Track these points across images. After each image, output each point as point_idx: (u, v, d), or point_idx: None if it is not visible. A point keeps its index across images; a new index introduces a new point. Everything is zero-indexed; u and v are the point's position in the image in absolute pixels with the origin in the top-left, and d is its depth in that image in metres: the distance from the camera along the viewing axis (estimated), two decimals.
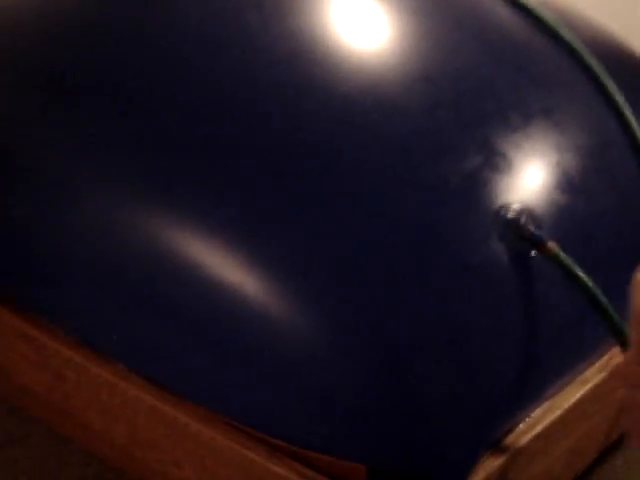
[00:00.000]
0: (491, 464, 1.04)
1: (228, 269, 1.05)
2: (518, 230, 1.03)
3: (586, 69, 1.34)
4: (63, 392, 1.42)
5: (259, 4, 1.23)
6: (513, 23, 1.40)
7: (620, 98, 1.31)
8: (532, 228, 1.03)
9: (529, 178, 1.11)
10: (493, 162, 1.08)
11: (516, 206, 1.05)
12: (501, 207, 1.05)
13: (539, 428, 1.11)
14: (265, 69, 1.13)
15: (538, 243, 1.02)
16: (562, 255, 1.02)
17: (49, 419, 1.73)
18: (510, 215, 1.04)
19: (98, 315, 1.25)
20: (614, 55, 1.58)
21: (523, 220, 1.03)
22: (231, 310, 1.05)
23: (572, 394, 1.16)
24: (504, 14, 1.43)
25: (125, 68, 1.25)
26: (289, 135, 1.06)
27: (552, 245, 1.02)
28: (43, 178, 1.29)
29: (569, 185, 1.14)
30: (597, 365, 1.21)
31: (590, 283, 1.03)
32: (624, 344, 1.04)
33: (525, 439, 1.09)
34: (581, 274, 1.02)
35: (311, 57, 1.14)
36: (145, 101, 1.19)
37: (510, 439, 1.08)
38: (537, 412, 1.12)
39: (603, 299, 1.03)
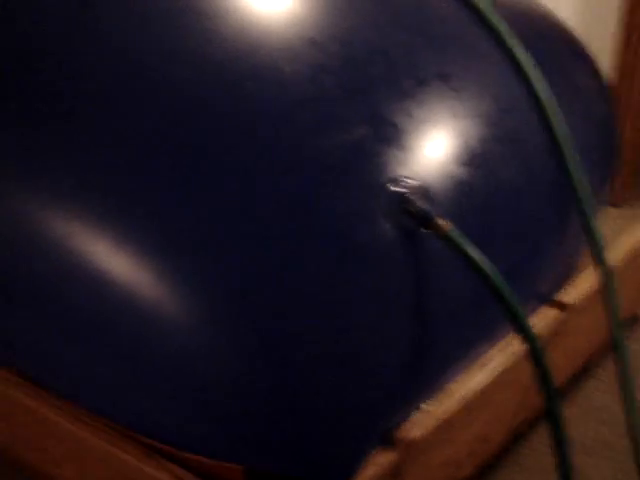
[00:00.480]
0: (383, 458, 0.97)
1: (93, 255, 0.95)
2: (406, 206, 0.94)
3: (495, 34, 1.26)
4: None
5: None
6: None
7: (529, 63, 1.24)
8: (420, 203, 0.94)
9: (422, 150, 1.02)
10: (381, 133, 0.99)
11: (404, 180, 0.97)
12: (388, 181, 0.96)
13: (439, 417, 1.04)
14: (126, 35, 1.02)
15: (427, 220, 0.94)
16: (453, 233, 0.94)
17: None
18: (398, 189, 0.95)
19: None
20: (532, 22, 1.51)
21: (410, 195, 0.95)
22: (101, 301, 0.95)
23: (475, 380, 1.10)
24: None
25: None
26: (152, 112, 0.95)
27: (442, 222, 0.94)
28: None
29: (467, 157, 1.06)
30: (500, 350, 1.14)
31: (484, 263, 0.95)
32: (520, 328, 0.97)
33: (422, 429, 1.02)
34: (474, 254, 0.94)
35: (180, 19, 1.03)
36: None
37: (405, 430, 1.00)
38: (437, 400, 1.05)
39: (498, 280, 0.95)
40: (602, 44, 2.26)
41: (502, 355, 1.14)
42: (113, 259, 0.92)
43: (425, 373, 1.00)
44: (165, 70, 1.00)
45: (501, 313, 0.99)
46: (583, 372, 1.55)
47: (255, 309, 0.88)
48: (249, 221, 0.89)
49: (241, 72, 0.98)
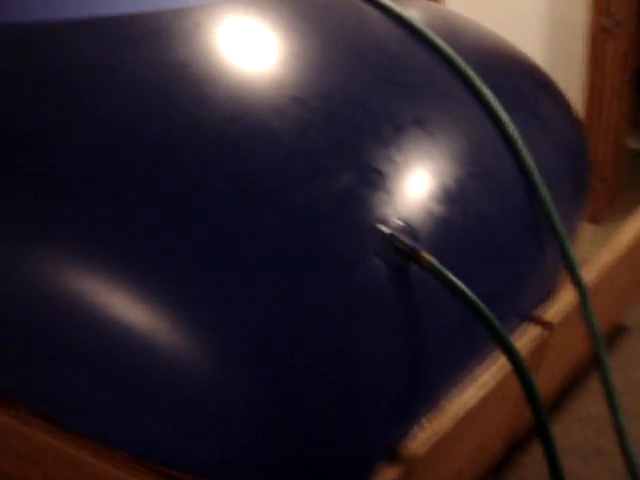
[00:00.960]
0: (388, 473, 1.06)
1: (116, 303, 1.05)
2: (394, 244, 1.05)
3: (461, 76, 1.38)
4: None
5: (135, 41, 1.24)
6: (388, 35, 1.43)
7: (496, 103, 1.35)
8: (407, 241, 1.05)
9: (405, 191, 1.13)
10: (367, 179, 1.11)
11: (391, 221, 1.08)
12: (377, 223, 1.07)
13: (438, 432, 1.13)
14: (134, 102, 1.13)
15: (414, 255, 1.05)
16: (437, 265, 1.05)
17: None
18: (385, 230, 1.06)
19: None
20: (498, 57, 1.63)
21: (398, 233, 1.06)
22: (117, 340, 1.05)
23: (468, 396, 1.19)
24: (379, 26, 1.46)
25: None
26: (161, 168, 1.07)
27: (427, 256, 1.05)
28: None
29: (445, 194, 1.17)
30: (490, 366, 1.24)
31: (467, 290, 1.05)
32: (504, 346, 1.07)
33: (423, 444, 1.11)
34: (457, 282, 1.05)
35: (181, 84, 1.15)
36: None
37: (407, 447, 1.10)
38: (435, 416, 1.15)
39: (480, 304, 1.06)
40: (569, 69, 2.39)
41: (492, 371, 1.24)
42: (133, 310, 1.03)
43: (422, 391, 1.10)
44: (167, 136, 1.11)
45: (486, 333, 1.09)
46: (576, 384, 1.64)
47: (263, 344, 0.99)
48: (254, 267, 1.00)
49: (237, 133, 1.10)
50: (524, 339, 1.31)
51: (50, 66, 1.30)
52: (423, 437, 1.12)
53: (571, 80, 2.35)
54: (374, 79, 1.28)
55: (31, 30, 1.42)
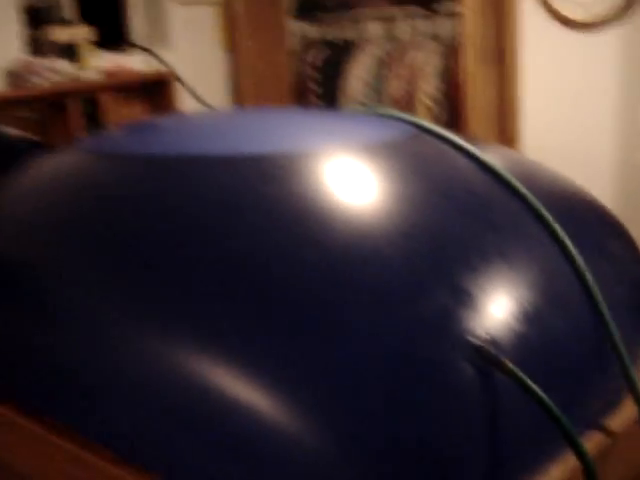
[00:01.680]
0: None
1: (241, 389, 1.31)
2: (481, 353, 1.30)
3: (537, 216, 1.64)
4: None
5: (270, 177, 1.55)
6: (475, 179, 1.71)
7: (567, 240, 1.61)
8: (492, 350, 1.30)
9: (490, 311, 1.39)
10: (459, 299, 1.36)
11: (479, 334, 1.33)
12: (467, 335, 1.32)
13: None
14: (271, 231, 1.44)
15: (498, 363, 1.29)
16: (518, 372, 1.29)
17: None
18: (474, 341, 1.31)
19: (134, 431, 1.50)
20: (567, 201, 1.89)
21: (484, 344, 1.30)
22: (244, 426, 1.30)
23: None
24: (468, 171, 1.75)
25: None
26: (297, 279, 1.35)
27: (508, 364, 1.29)
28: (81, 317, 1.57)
29: (523, 315, 1.42)
30: (559, 464, 1.44)
31: (542, 394, 1.28)
32: (575, 447, 1.29)
33: None
34: (535, 387, 1.28)
35: (309, 219, 1.45)
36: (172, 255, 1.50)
37: None
38: None
39: (555, 408, 1.28)
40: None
41: (561, 469, 1.44)
42: (245, 388, 1.29)
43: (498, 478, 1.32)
44: (299, 257, 1.40)
45: (559, 435, 1.31)
46: None
47: (366, 435, 1.23)
48: (365, 368, 1.25)
49: (356, 257, 1.38)
50: (589, 445, 1.51)
51: (199, 194, 1.63)
52: None
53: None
54: (465, 217, 1.55)
55: (177, 162, 1.77)
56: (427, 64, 3.83)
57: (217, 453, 1.36)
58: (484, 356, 1.30)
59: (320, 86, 4.24)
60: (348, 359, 1.29)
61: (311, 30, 4.40)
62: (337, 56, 4.20)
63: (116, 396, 1.50)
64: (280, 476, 1.29)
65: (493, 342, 1.33)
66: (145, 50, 3.52)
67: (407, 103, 3.96)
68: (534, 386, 1.29)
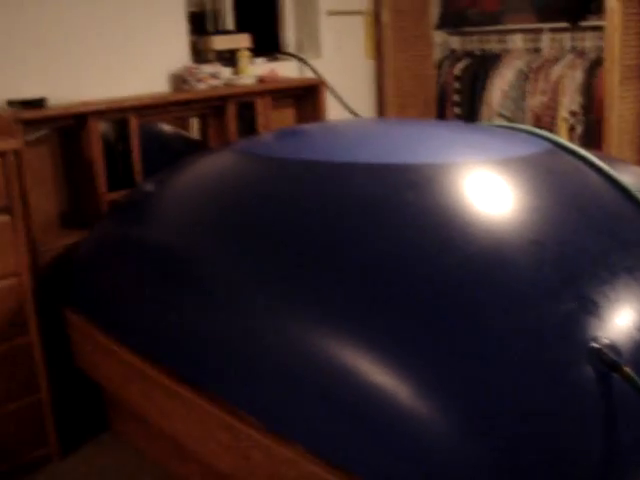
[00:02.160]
0: None
1: (390, 381, 1.48)
2: (601, 357, 1.41)
3: None
4: (247, 470, 1.85)
5: (414, 186, 1.72)
6: (606, 196, 1.82)
7: None
8: (612, 355, 1.41)
9: (613, 320, 1.50)
10: (585, 306, 1.48)
11: (601, 339, 1.44)
12: (590, 339, 1.44)
13: None
14: (417, 235, 1.59)
15: (616, 367, 1.40)
16: (634, 377, 1.39)
17: None
18: (596, 345, 1.43)
19: (280, 405, 1.69)
20: None
21: (605, 349, 1.42)
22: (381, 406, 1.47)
23: None
24: (600, 188, 1.85)
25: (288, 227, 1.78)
26: (438, 280, 1.51)
27: (627, 369, 1.39)
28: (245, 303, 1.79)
29: None
30: None
31: None
32: None
33: None
34: None
35: (452, 225, 1.60)
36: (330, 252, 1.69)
37: None
38: None
39: None
40: None
41: None
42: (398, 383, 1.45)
43: (613, 470, 1.42)
44: (441, 259, 1.55)
45: None
46: None
47: (498, 425, 1.37)
48: (500, 366, 1.39)
49: (490, 260, 1.52)
50: None
51: (348, 198, 1.81)
52: None
53: None
54: (595, 231, 1.66)
55: (326, 167, 1.95)
56: (569, 78, 3.86)
57: (350, 426, 1.53)
58: (604, 360, 1.42)
59: (462, 96, 4.34)
60: (484, 354, 1.43)
61: (455, 41, 4.50)
62: (479, 68, 4.29)
63: (266, 373, 1.70)
64: (418, 463, 1.44)
65: (614, 349, 1.44)
66: (297, 58, 3.74)
67: (548, 116, 4.01)
68: None
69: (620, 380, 1.42)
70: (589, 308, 1.49)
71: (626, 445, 1.44)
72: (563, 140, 2.09)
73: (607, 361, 1.41)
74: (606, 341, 1.45)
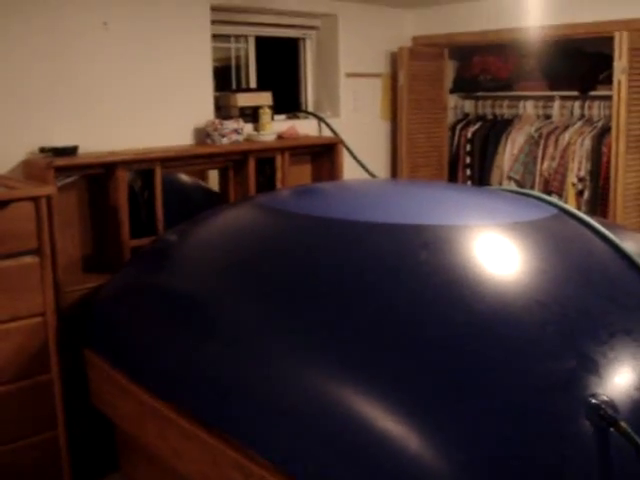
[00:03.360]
0: None
1: (394, 426, 1.56)
2: (599, 412, 1.50)
3: None
4: None
5: (427, 245, 1.83)
6: (609, 263, 1.92)
7: None
8: (609, 411, 1.49)
9: (612, 378, 1.59)
10: (585, 365, 1.57)
11: (599, 396, 1.53)
12: (589, 395, 1.53)
13: None
14: (430, 292, 1.70)
15: (613, 422, 1.48)
16: (631, 432, 1.47)
17: None
18: (594, 401, 1.51)
19: (293, 449, 1.77)
20: None
21: (603, 405, 1.50)
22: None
23: None
24: (603, 255, 1.95)
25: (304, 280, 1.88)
26: (448, 335, 1.61)
27: (624, 424, 1.48)
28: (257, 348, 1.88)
29: None
30: None
31: None
32: None
33: None
34: None
35: (462, 284, 1.70)
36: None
37: None
38: None
39: None
40: None
41: None
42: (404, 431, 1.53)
43: None
44: (449, 317, 1.65)
45: None
46: None
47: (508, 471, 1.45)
48: (501, 416, 1.48)
49: (499, 320, 1.62)
50: None
51: (360, 255, 1.92)
52: None
53: None
54: (597, 296, 1.76)
55: (343, 225, 2.07)
56: (578, 145, 3.99)
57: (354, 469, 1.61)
58: (602, 416, 1.50)
59: (473, 159, 4.48)
60: (488, 407, 1.52)
61: (468, 105, 4.65)
62: (491, 131, 4.43)
63: (275, 416, 1.79)
64: None
65: (611, 404, 1.53)
66: (316, 117, 3.88)
67: (557, 181, 4.13)
68: None
69: (617, 435, 1.50)
70: (588, 366, 1.58)
71: None
72: (569, 206, 2.20)
73: (605, 416, 1.50)
74: (604, 398, 1.53)
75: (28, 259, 2.41)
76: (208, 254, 2.34)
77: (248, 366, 1.89)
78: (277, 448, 1.81)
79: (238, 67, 4.00)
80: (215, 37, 3.53)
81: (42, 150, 2.79)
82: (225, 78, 3.92)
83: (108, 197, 2.87)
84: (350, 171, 3.72)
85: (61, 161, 2.69)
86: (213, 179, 3.65)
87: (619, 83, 3.58)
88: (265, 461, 1.83)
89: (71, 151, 2.79)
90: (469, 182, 4.44)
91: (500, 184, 4.24)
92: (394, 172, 4.32)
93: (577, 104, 4.15)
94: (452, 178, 4.52)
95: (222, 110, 3.61)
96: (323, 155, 3.64)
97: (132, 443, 2.59)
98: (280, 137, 3.55)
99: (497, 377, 1.54)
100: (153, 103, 3.17)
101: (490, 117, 4.55)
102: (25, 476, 2.47)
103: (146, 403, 2.24)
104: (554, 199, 2.28)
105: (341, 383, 1.68)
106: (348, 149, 3.77)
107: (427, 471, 1.49)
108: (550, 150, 4.10)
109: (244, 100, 3.59)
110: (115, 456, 2.77)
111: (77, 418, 2.66)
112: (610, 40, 3.58)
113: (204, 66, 3.38)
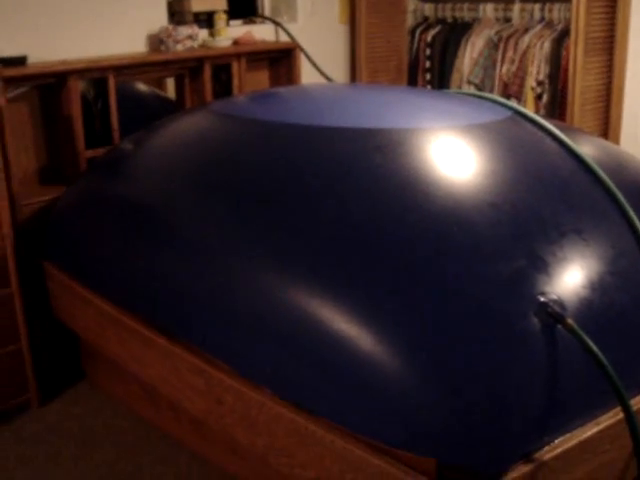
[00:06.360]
0: (522, 469, 1.52)
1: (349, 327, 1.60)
2: (547, 309, 1.54)
3: (614, 200, 1.86)
4: (219, 414, 1.97)
5: (381, 149, 1.83)
6: (562, 164, 1.94)
7: (637, 221, 1.81)
8: (557, 308, 1.54)
9: (560, 277, 1.63)
10: (534, 264, 1.61)
11: (548, 294, 1.57)
12: (537, 293, 1.56)
13: (560, 451, 1.58)
14: (384, 194, 1.71)
15: (560, 319, 1.53)
16: (577, 329, 1.52)
17: (194, 443, 2.29)
18: (543, 299, 1.56)
19: (250, 351, 1.80)
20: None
21: (551, 303, 1.54)
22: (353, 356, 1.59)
23: (588, 430, 1.63)
24: (557, 157, 1.97)
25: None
26: (399, 236, 1.63)
27: (570, 321, 1.52)
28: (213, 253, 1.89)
29: (590, 283, 1.65)
30: (612, 412, 1.67)
31: (596, 349, 1.51)
32: (621, 399, 1.51)
33: (548, 457, 1.56)
34: (589, 342, 1.52)
35: (415, 186, 1.72)
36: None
37: (537, 455, 1.55)
38: (561, 440, 1.59)
39: (606, 362, 1.51)
40: None
41: (609, 419, 1.66)
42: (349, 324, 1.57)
43: (554, 419, 1.56)
44: (404, 219, 1.67)
45: (609, 389, 1.54)
46: None
47: (454, 371, 1.49)
48: (455, 311, 1.52)
49: (448, 220, 1.64)
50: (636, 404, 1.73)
51: (316, 159, 1.91)
52: (550, 451, 1.57)
53: None
54: (548, 196, 1.79)
55: (296, 130, 2.06)
56: (538, 48, 3.97)
57: (322, 372, 1.65)
58: (550, 313, 1.54)
59: (433, 63, 4.44)
60: (438, 300, 1.56)
61: (428, 9, 4.58)
62: (451, 35, 4.38)
63: (230, 320, 1.82)
64: (374, 400, 1.56)
65: (559, 302, 1.57)
66: (273, 22, 3.80)
67: (516, 85, 4.12)
68: (591, 342, 1.52)
69: (564, 332, 1.55)
70: (538, 265, 1.61)
71: (567, 392, 1.57)
72: (524, 109, 2.20)
73: (552, 313, 1.54)
74: (553, 296, 1.57)
75: None
76: (163, 162, 2.32)
77: (202, 272, 1.91)
78: (233, 352, 1.85)
79: None
80: None
81: None
82: None
83: (61, 107, 2.81)
84: (308, 77, 3.67)
85: (9, 71, 2.61)
86: (172, 87, 3.58)
87: None
88: (223, 364, 1.87)
89: (20, 61, 2.71)
90: (429, 86, 4.41)
91: (460, 88, 4.22)
92: (353, 77, 4.27)
93: (537, 7, 4.10)
94: (412, 82, 4.48)
95: (176, 16, 3.50)
96: (281, 61, 3.58)
97: (96, 353, 2.62)
98: (236, 43, 3.47)
99: (448, 275, 1.57)
100: (104, 9, 3.07)
101: (450, 20, 4.48)
102: None
103: (106, 312, 2.26)
104: (509, 101, 2.27)
105: (296, 286, 1.70)
106: (306, 54, 3.71)
107: (379, 367, 1.54)
108: (510, 54, 4.07)
109: (198, 5, 3.49)
110: (81, 365, 2.81)
111: (41, 330, 2.67)
112: None
113: None
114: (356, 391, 1.59)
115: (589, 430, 1.62)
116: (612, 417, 1.66)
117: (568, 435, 1.59)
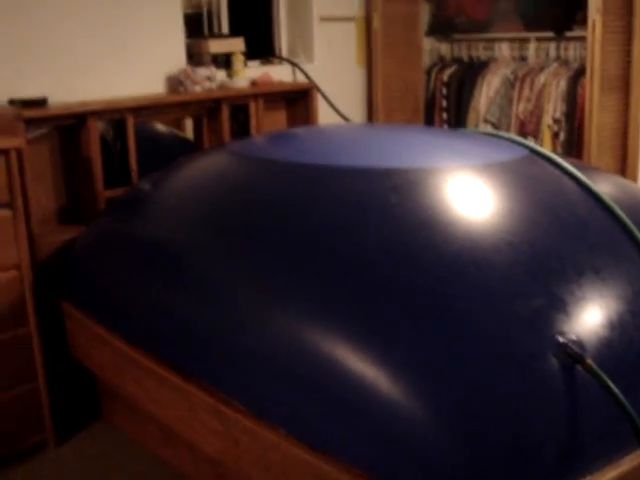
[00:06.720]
0: None
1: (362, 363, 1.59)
2: (566, 350, 1.52)
3: (632, 239, 1.85)
4: (236, 454, 1.95)
5: (397, 189, 1.83)
6: (580, 203, 1.93)
7: None
8: (576, 349, 1.52)
9: (579, 317, 1.61)
10: (553, 304, 1.60)
11: (567, 334, 1.55)
12: (556, 333, 1.55)
13: None
14: (400, 234, 1.71)
15: (580, 359, 1.51)
16: (597, 369, 1.50)
17: None
18: (562, 339, 1.54)
19: (266, 392, 1.79)
20: None
21: (570, 343, 1.53)
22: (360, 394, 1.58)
23: (608, 473, 1.60)
24: (574, 196, 1.97)
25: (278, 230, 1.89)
26: (416, 277, 1.63)
27: (590, 361, 1.51)
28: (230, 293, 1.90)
29: (609, 322, 1.63)
30: (633, 454, 1.64)
31: (617, 390, 1.49)
32: None
33: None
34: (609, 383, 1.50)
35: (432, 226, 1.72)
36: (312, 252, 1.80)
37: None
38: None
39: (627, 404, 1.49)
40: None
41: (631, 462, 1.63)
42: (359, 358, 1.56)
43: (573, 461, 1.53)
44: (419, 258, 1.66)
45: (630, 430, 1.52)
46: None
47: (471, 412, 1.48)
48: (472, 353, 1.50)
49: (466, 260, 1.63)
50: None
51: (332, 199, 1.92)
52: None
53: None
54: (566, 235, 1.78)
55: (314, 170, 2.07)
56: (554, 87, 3.99)
57: (333, 410, 1.63)
58: (569, 353, 1.53)
59: (449, 102, 4.46)
60: (456, 343, 1.55)
61: (444, 48, 4.62)
62: (467, 74, 4.41)
63: (246, 361, 1.81)
64: (392, 444, 1.55)
65: (579, 343, 1.55)
66: (290, 62, 3.84)
67: (532, 123, 4.13)
68: (611, 383, 1.50)
69: (584, 372, 1.53)
70: (556, 305, 1.60)
71: (587, 434, 1.55)
72: (540, 148, 2.20)
73: (571, 354, 1.53)
74: (572, 336, 1.56)
75: (0, 213, 2.39)
76: (181, 203, 2.34)
77: (218, 313, 1.91)
78: (250, 393, 1.84)
79: (210, 13, 3.94)
80: None
81: (11, 102, 2.75)
82: (197, 25, 3.86)
83: (80, 148, 2.85)
84: (325, 117, 3.70)
85: (30, 112, 2.65)
86: (190, 128, 3.62)
87: (594, 23, 3.56)
88: (240, 405, 1.86)
89: (41, 102, 2.75)
90: (445, 126, 4.43)
91: (477, 127, 4.23)
92: (369, 117, 4.30)
93: (553, 45, 4.12)
94: (429, 122, 4.50)
95: (194, 57, 3.55)
96: (298, 101, 3.61)
97: (113, 392, 2.62)
98: (254, 83, 3.51)
99: (466, 317, 1.56)
100: (123, 51, 3.12)
101: (466, 60, 4.51)
102: (7, 429, 2.49)
103: (123, 352, 2.26)
104: (525, 140, 2.28)
105: (311, 327, 1.69)
106: (322, 94, 3.74)
107: (397, 408, 1.52)
108: (526, 92, 4.09)
109: (216, 46, 3.54)
110: (98, 405, 2.80)
111: (58, 369, 2.67)
112: None
113: (174, 12, 3.32)
114: (373, 434, 1.57)
115: (609, 473, 1.59)
116: (633, 460, 1.63)
117: (588, 478, 1.56)
